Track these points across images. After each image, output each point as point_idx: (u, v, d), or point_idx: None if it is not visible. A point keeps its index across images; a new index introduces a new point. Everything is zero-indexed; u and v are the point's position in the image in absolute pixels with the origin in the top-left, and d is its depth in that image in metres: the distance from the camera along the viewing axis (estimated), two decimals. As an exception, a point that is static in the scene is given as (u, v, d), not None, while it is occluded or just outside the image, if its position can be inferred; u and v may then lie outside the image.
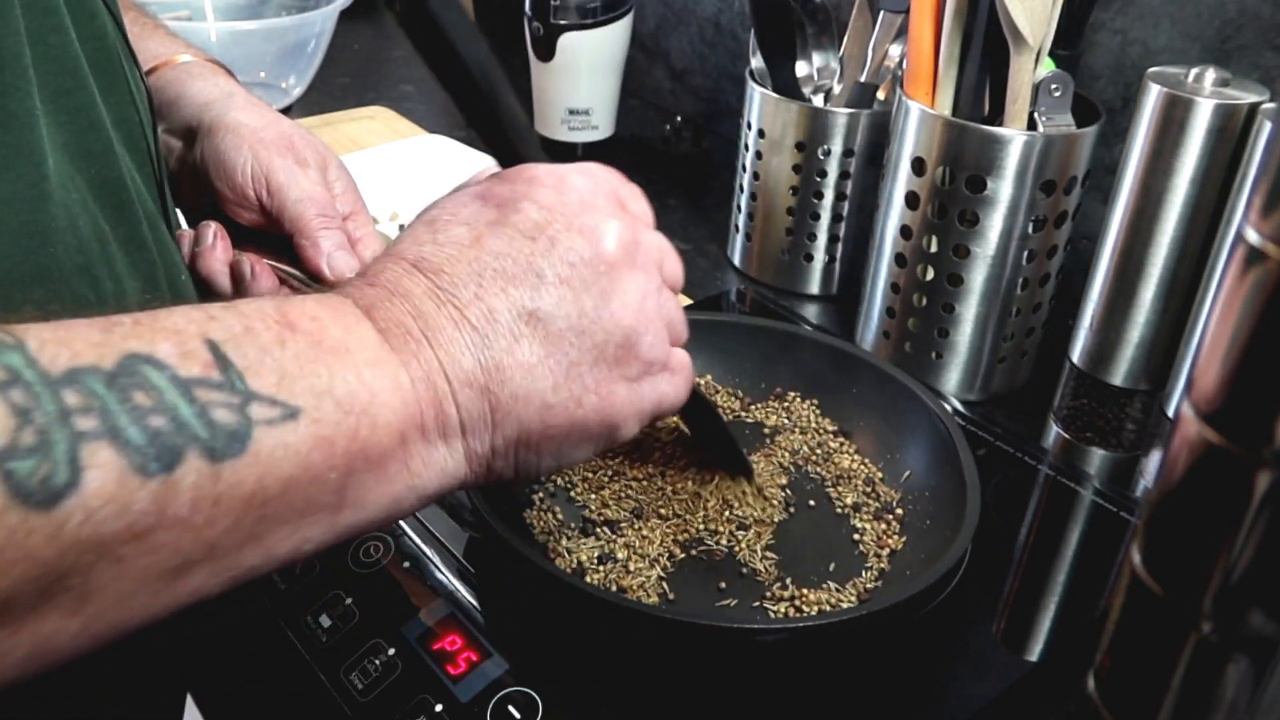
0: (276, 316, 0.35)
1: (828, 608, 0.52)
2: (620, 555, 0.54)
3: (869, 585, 0.54)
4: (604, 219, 0.42)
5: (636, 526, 0.56)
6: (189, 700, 0.59)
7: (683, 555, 0.55)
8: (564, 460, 0.43)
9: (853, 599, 0.53)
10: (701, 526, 0.56)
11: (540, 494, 0.58)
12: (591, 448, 0.43)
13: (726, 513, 0.57)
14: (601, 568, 0.53)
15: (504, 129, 0.44)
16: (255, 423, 0.32)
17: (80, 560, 0.28)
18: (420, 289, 0.39)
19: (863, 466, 0.62)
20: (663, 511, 0.57)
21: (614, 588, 0.52)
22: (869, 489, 0.60)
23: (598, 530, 0.56)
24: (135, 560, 0.29)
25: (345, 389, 0.35)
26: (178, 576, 0.31)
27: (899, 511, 0.59)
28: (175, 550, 0.30)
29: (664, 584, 0.53)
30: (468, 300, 0.39)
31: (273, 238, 0.58)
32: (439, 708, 0.47)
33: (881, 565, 0.55)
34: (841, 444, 0.63)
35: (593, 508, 0.57)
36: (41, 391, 0.28)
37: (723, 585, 0.54)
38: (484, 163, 0.99)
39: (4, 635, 0.28)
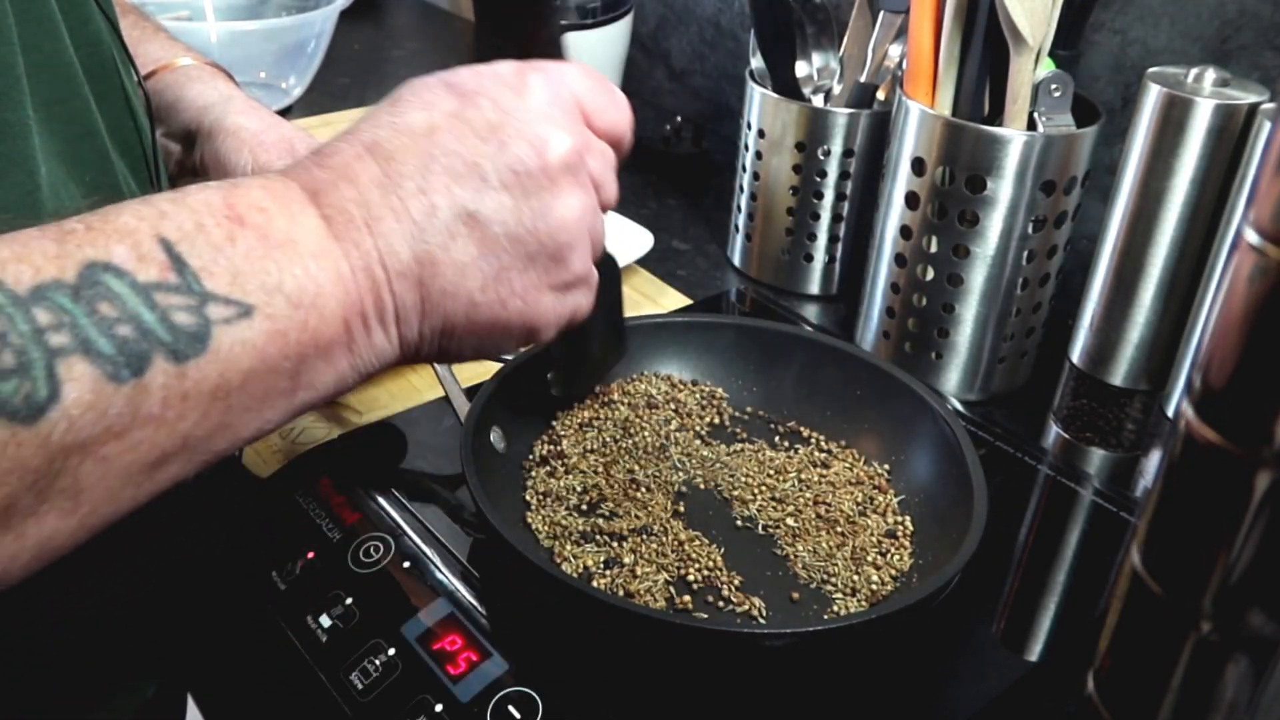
0: (225, 209, 0.36)
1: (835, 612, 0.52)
2: (627, 560, 0.54)
3: (875, 589, 0.53)
4: (555, 130, 0.42)
5: (641, 536, 0.56)
6: (189, 700, 0.59)
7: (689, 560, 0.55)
8: (485, 352, 0.46)
9: (860, 603, 0.53)
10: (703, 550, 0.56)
11: (536, 496, 0.58)
12: (512, 345, 0.46)
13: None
14: (608, 572, 0.53)
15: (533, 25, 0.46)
16: (213, 322, 0.34)
17: (68, 463, 0.31)
18: (368, 176, 0.40)
19: (866, 468, 0.62)
20: (664, 529, 0.57)
21: (621, 593, 0.52)
22: (873, 491, 0.60)
23: (602, 535, 0.56)
24: (118, 458, 0.32)
25: (294, 284, 0.36)
26: (158, 468, 0.34)
27: (905, 515, 0.58)
28: (153, 445, 0.33)
29: (670, 589, 0.53)
30: (411, 192, 0.40)
31: None
32: (439, 708, 0.47)
33: (888, 569, 0.55)
34: (846, 446, 0.63)
35: (602, 519, 0.57)
36: (14, 313, 0.30)
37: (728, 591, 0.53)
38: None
39: (10, 540, 0.31)
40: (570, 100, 0.44)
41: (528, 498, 0.58)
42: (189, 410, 0.33)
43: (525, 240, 0.42)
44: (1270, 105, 0.64)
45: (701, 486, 0.59)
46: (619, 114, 0.46)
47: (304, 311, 0.36)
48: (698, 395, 0.66)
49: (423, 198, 0.40)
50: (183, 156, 0.61)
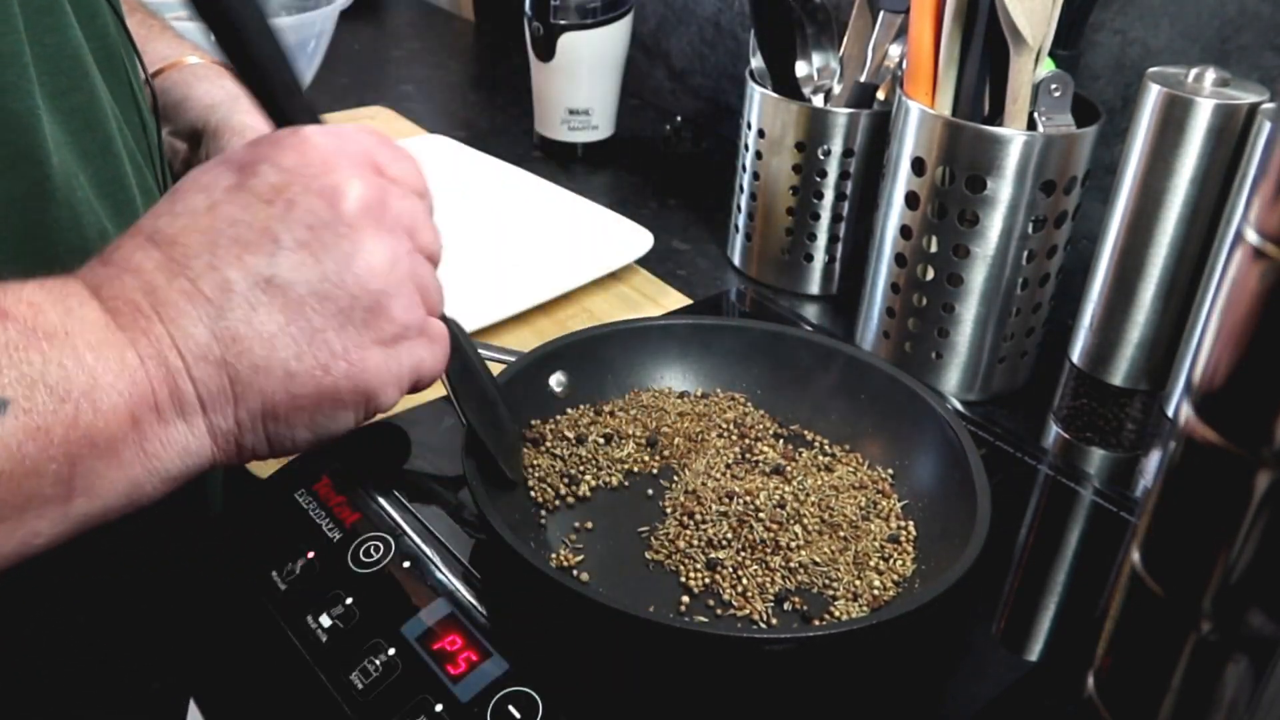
0: None
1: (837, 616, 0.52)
2: None
3: (877, 593, 0.53)
4: (346, 179, 0.39)
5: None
6: (189, 700, 0.59)
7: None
8: (320, 431, 0.41)
9: (862, 608, 0.52)
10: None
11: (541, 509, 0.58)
12: (350, 416, 0.42)
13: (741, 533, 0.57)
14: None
15: (269, 88, 0.42)
16: None
17: None
18: (152, 263, 0.37)
19: (870, 472, 0.61)
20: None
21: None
22: (876, 495, 0.60)
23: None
24: None
25: (59, 374, 0.33)
26: None
27: (908, 520, 0.58)
28: None
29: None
30: (200, 270, 0.37)
31: None
32: (439, 708, 0.47)
33: (891, 573, 0.55)
34: (850, 450, 0.63)
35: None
36: None
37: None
38: (485, 164, 0.99)
39: None
40: (358, 151, 0.41)
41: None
42: None
43: (334, 295, 0.38)
44: (1270, 105, 0.64)
45: (704, 490, 0.59)
46: (410, 164, 0.43)
47: (73, 405, 0.33)
48: (721, 404, 0.66)
49: (214, 273, 0.37)
50: (189, 155, 0.61)
